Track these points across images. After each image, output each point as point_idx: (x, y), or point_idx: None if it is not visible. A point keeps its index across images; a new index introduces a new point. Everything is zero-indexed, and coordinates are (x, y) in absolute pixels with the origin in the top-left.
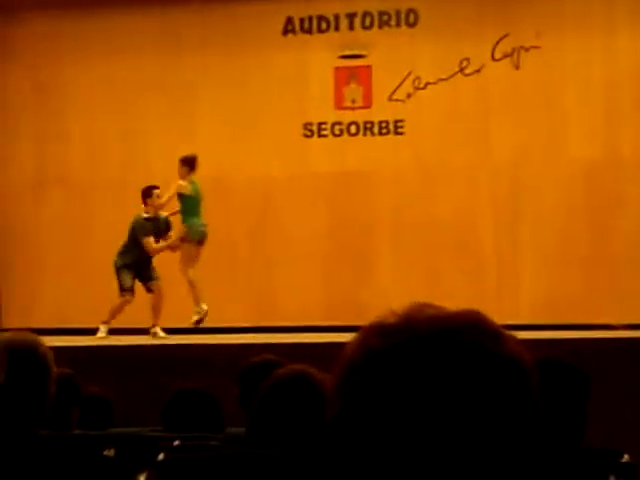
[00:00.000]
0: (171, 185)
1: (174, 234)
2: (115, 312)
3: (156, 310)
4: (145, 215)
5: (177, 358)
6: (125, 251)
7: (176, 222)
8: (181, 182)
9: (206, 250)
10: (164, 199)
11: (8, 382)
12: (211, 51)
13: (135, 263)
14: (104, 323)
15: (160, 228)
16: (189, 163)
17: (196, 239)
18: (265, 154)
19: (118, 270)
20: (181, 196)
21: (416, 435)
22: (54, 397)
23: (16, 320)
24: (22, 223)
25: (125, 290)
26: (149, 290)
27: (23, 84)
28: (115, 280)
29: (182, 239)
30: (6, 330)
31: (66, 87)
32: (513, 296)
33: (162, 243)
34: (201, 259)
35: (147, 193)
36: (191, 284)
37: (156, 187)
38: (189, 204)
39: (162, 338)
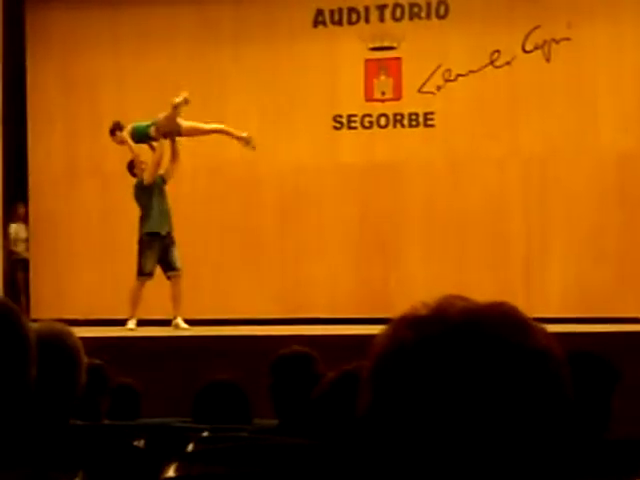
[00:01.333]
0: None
1: None
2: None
3: (176, 301)
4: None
5: (205, 350)
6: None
7: None
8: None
9: (235, 240)
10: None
11: (38, 373)
12: (243, 43)
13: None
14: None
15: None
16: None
17: None
18: (295, 145)
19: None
20: None
21: (447, 427)
22: (84, 387)
23: (46, 311)
24: (54, 214)
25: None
26: (169, 279)
27: (55, 75)
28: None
29: None
30: (35, 321)
31: (98, 78)
32: (543, 288)
33: None
34: (230, 250)
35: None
36: None
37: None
38: None
39: (184, 330)
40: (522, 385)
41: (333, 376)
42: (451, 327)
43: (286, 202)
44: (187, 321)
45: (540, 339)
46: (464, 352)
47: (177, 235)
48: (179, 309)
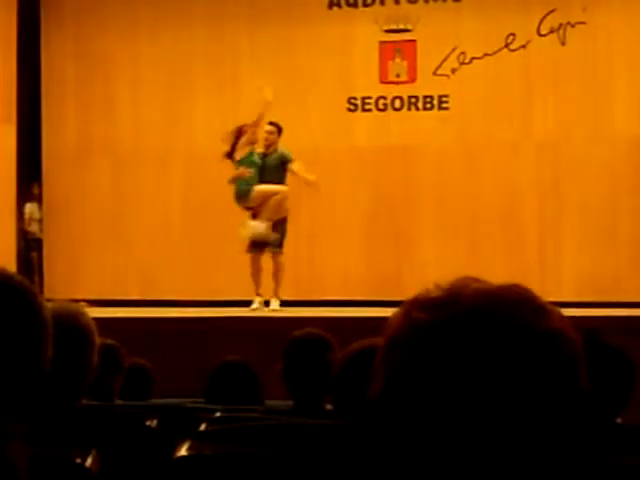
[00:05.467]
0: None
1: None
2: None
3: (276, 280)
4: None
5: (218, 331)
6: None
7: None
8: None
9: None
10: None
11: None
12: (258, 24)
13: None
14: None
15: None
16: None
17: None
18: (309, 127)
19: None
20: None
21: (460, 409)
22: (97, 368)
23: (59, 290)
24: (67, 193)
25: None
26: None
27: (68, 53)
28: (159, 250)
29: None
30: (49, 300)
31: (112, 56)
32: (556, 273)
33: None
34: None
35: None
36: None
37: None
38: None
39: (273, 311)
40: (537, 367)
41: (346, 356)
42: (466, 309)
43: (300, 184)
44: (202, 302)
45: (555, 321)
46: (479, 334)
47: (198, 216)
48: (277, 290)
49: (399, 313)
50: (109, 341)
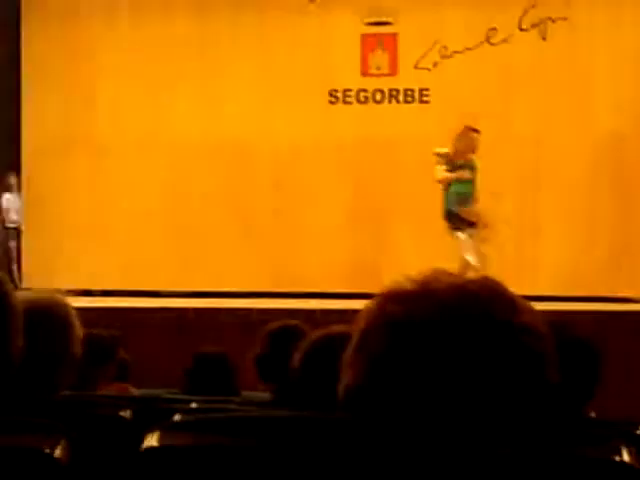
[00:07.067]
0: None
1: None
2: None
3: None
4: None
5: (197, 322)
6: None
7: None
8: None
9: (229, 215)
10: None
11: (26, 343)
12: (240, 16)
13: None
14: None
15: None
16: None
17: None
18: (290, 119)
19: None
20: None
21: (432, 400)
22: (80, 358)
23: (37, 280)
24: (47, 182)
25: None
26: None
27: (50, 45)
28: (139, 241)
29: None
30: (27, 290)
31: (93, 47)
32: (534, 266)
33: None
34: (224, 224)
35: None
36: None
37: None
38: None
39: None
40: (507, 359)
41: (305, 347)
42: (438, 303)
43: (281, 176)
44: (181, 293)
45: (525, 315)
46: (450, 327)
47: (179, 206)
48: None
49: (373, 306)
50: (99, 331)
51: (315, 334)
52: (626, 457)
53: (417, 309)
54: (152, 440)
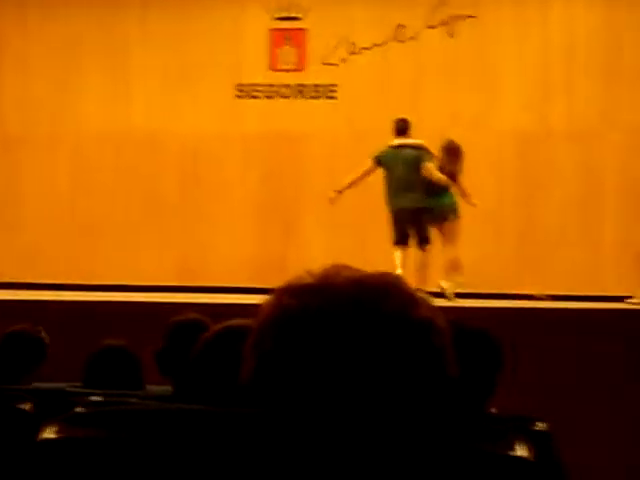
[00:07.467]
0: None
1: None
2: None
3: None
4: None
5: (99, 314)
6: None
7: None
8: None
9: (135, 207)
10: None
11: None
12: (147, 7)
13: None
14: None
15: None
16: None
17: None
18: (197, 113)
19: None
20: None
21: (327, 394)
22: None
23: None
24: None
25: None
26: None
27: None
28: (44, 233)
29: None
30: None
31: (0, 39)
32: (440, 263)
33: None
34: (130, 215)
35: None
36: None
37: None
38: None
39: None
40: (405, 354)
41: (208, 336)
42: (335, 296)
43: (187, 168)
44: (85, 286)
45: (423, 310)
46: (347, 322)
47: (85, 200)
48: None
49: (271, 299)
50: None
51: (215, 327)
52: (520, 452)
53: (312, 302)
54: (49, 432)
